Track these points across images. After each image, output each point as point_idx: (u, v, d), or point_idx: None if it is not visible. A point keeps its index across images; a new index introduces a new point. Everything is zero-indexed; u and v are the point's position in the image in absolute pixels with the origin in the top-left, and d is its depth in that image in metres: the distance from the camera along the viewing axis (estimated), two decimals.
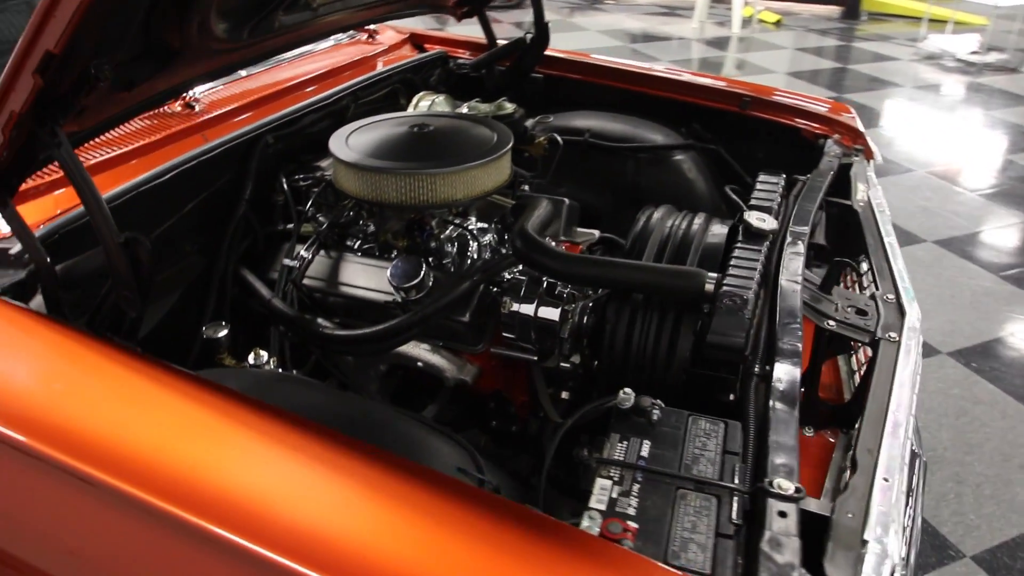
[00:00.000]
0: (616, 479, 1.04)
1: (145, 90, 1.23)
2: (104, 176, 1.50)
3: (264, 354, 1.43)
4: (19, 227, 1.13)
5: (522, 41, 2.43)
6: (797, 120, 2.26)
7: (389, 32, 2.65)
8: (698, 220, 1.66)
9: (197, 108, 1.77)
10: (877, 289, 1.56)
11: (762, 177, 1.76)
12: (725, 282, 1.35)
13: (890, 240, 1.76)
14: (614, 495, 1.02)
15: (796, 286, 1.37)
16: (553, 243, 1.73)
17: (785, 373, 1.19)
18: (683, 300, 1.39)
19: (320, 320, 1.61)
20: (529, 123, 2.20)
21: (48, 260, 1.15)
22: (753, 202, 1.65)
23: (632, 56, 7.59)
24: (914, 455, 1.53)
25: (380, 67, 2.33)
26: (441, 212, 1.71)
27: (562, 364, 1.56)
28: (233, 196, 1.70)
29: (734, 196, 1.72)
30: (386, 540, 0.82)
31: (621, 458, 1.08)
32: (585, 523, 0.94)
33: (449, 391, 1.67)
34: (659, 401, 1.17)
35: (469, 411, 1.75)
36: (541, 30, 2.40)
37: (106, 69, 1.03)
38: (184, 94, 1.75)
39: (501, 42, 2.49)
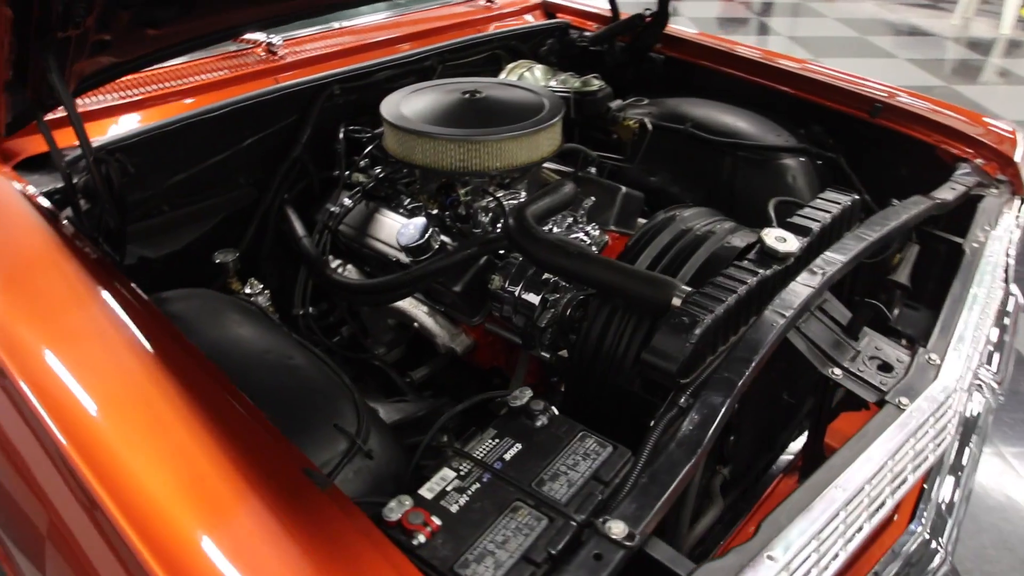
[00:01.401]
0: (462, 473, 1.00)
1: (174, 33, 1.35)
2: (171, 105, 1.68)
3: (259, 285, 1.54)
4: (48, 140, 1.30)
5: (640, 18, 2.30)
6: (936, 136, 1.91)
7: None
8: (723, 227, 1.48)
9: (279, 53, 1.90)
10: (925, 346, 1.31)
11: (827, 194, 1.52)
12: (694, 299, 1.20)
13: (977, 291, 1.45)
14: (448, 488, 0.97)
15: (779, 319, 1.19)
16: (566, 229, 1.65)
17: (706, 409, 1.05)
18: (649, 310, 1.27)
19: (333, 266, 1.68)
20: (616, 104, 2.08)
21: (69, 172, 1.32)
22: (794, 219, 1.43)
23: (863, 52, 6.81)
24: None
25: (491, 30, 2.33)
26: (478, 180, 1.70)
27: (543, 354, 1.50)
28: (292, 138, 1.81)
29: (772, 214, 1.51)
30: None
31: (480, 455, 1.02)
32: (390, 505, 0.91)
33: (444, 358, 1.67)
34: (554, 408, 1.09)
35: (475, 385, 1.75)
36: (662, 7, 2.25)
37: None
38: (262, 40, 1.90)
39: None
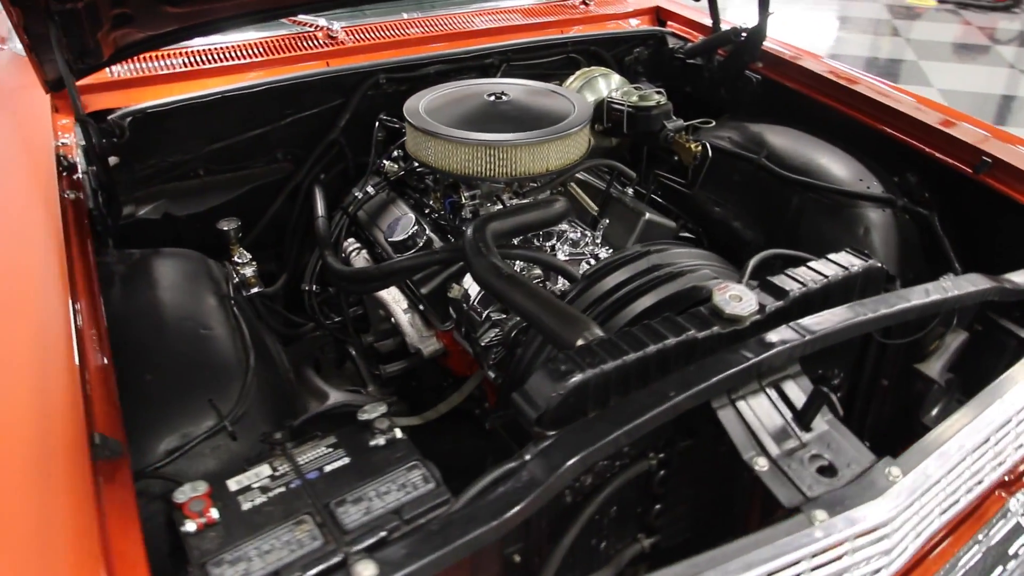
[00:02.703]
0: (276, 474, 0.98)
1: (197, 12, 1.44)
2: (221, 79, 1.80)
3: (247, 255, 1.61)
4: (74, 102, 1.45)
5: (735, 32, 2.09)
6: None
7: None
8: (700, 273, 1.31)
9: (338, 38, 1.97)
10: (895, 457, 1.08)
11: (837, 255, 1.29)
12: (597, 346, 1.08)
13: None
14: (254, 485, 0.96)
15: (684, 387, 1.03)
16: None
17: (538, 469, 0.94)
18: (558, 345, 1.16)
19: (349, 250, 1.72)
20: (672, 125, 1.90)
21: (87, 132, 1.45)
22: (777, 278, 1.23)
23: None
24: None
25: (573, 32, 2.24)
26: (487, 186, 1.65)
27: (489, 372, 1.43)
28: (332, 121, 1.88)
29: (750, 266, 1.29)
30: None
31: (304, 460, 1.00)
32: (184, 488, 0.92)
33: (417, 358, 1.66)
34: (398, 431, 1.03)
35: (451, 390, 1.72)
36: (760, 21, 2.03)
37: None
38: (323, 25, 1.97)
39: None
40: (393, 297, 1.66)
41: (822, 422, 1.14)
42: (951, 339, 1.35)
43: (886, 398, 1.47)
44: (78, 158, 1.50)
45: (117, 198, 1.49)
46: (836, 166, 1.85)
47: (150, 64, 1.81)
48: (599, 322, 1.27)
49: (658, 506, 1.24)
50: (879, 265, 1.28)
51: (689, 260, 1.38)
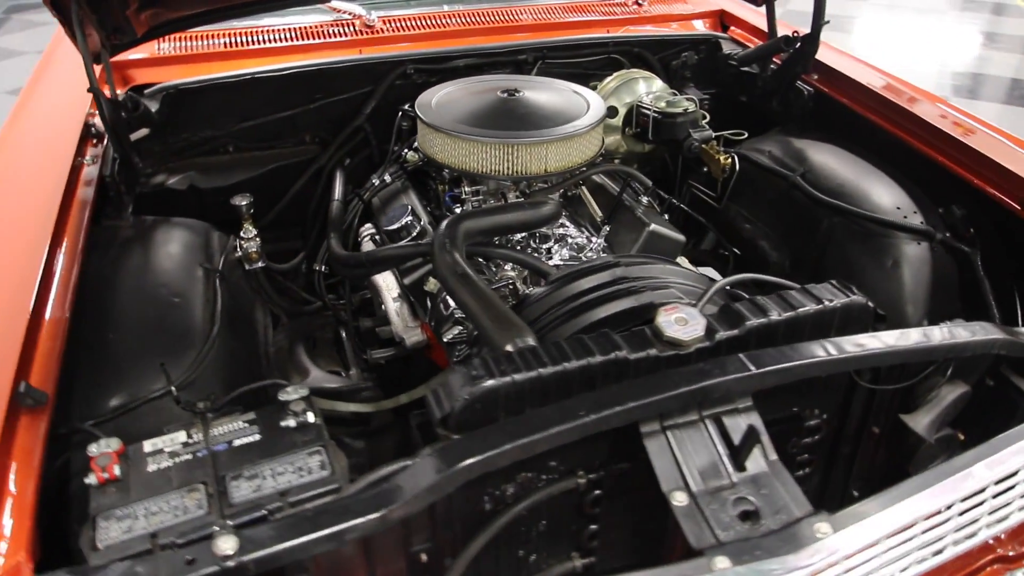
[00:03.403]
0: (190, 441, 1.02)
1: None
2: (258, 60, 1.87)
3: (252, 231, 1.67)
4: (108, 78, 1.55)
5: (787, 41, 1.96)
6: None
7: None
8: (663, 292, 1.24)
9: (374, 26, 1.99)
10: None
11: (815, 287, 1.18)
12: (521, 354, 1.04)
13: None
14: (167, 449, 1.00)
15: (597, 409, 0.99)
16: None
17: (419, 473, 0.93)
18: (491, 348, 1.14)
19: (365, 234, 1.76)
20: (699, 135, 1.81)
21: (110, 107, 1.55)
22: (737, 305, 1.15)
23: None
24: None
25: (619, 32, 2.17)
26: (492, 183, 1.64)
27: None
28: (359, 108, 1.92)
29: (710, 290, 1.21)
30: None
31: (218, 432, 1.03)
32: (99, 442, 0.97)
33: (403, 347, 1.67)
34: (311, 415, 1.05)
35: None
36: (813, 32, 1.90)
37: None
38: (360, 13, 2.00)
39: None
40: (387, 284, 1.68)
41: (762, 464, 1.06)
42: (947, 392, 1.22)
43: (878, 447, 1.35)
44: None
45: (134, 167, 1.58)
46: (875, 190, 1.71)
47: (196, 43, 1.91)
48: (551, 329, 1.24)
49: (593, 527, 1.20)
50: (863, 302, 1.17)
51: (664, 276, 1.31)
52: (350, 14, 2.02)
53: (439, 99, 1.66)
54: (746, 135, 1.89)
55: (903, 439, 1.31)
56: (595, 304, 1.22)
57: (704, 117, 1.90)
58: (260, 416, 1.06)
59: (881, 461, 1.37)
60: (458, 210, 1.62)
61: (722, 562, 0.91)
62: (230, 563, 0.82)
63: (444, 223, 1.36)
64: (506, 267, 1.52)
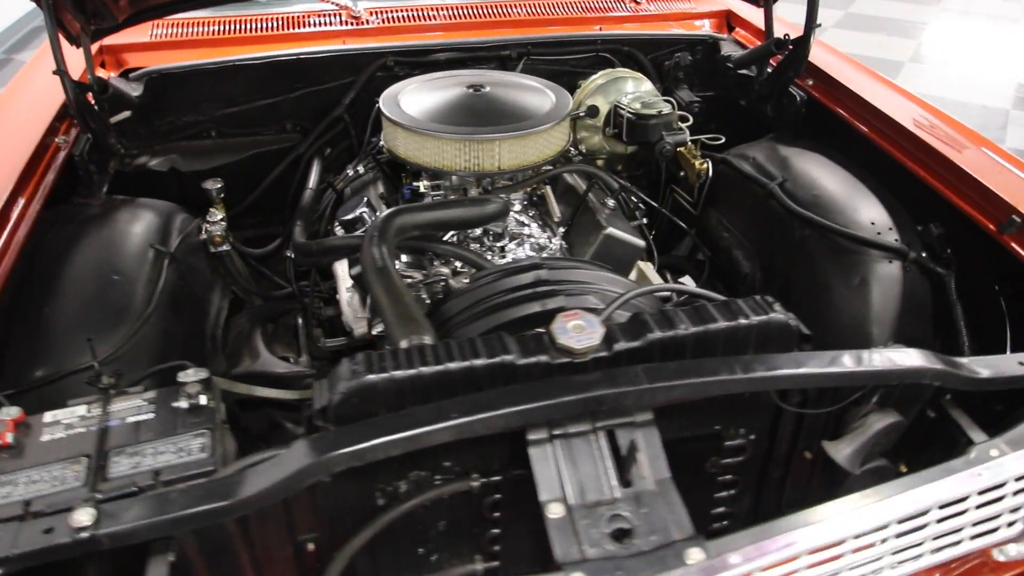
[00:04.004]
0: (88, 415, 1.04)
1: None
2: (245, 47, 1.91)
3: (218, 215, 1.70)
4: (88, 61, 1.60)
5: (780, 44, 1.88)
6: None
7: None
8: (582, 299, 1.21)
9: (361, 17, 2.00)
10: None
11: (737, 302, 1.13)
12: (412, 351, 1.04)
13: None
14: (64, 420, 1.03)
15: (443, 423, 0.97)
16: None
17: (274, 467, 0.94)
18: (391, 343, 1.14)
19: (306, 219, 1.78)
20: (673, 138, 1.75)
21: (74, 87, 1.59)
22: (645, 315, 1.10)
23: None
24: None
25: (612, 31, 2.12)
26: (456, 178, 1.63)
27: None
28: (340, 98, 1.93)
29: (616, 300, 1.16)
30: None
31: (116, 408, 1.05)
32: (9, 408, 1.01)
33: (352, 336, 1.68)
34: (204, 398, 1.06)
35: None
36: (804, 35, 1.82)
37: None
38: (348, 5, 2.01)
39: None
40: (343, 275, 1.69)
41: (651, 482, 1.02)
42: (875, 421, 1.15)
43: (812, 472, 1.29)
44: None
45: (109, 148, 1.63)
46: (852, 204, 1.63)
47: (190, 30, 1.96)
48: (461, 327, 1.23)
49: (495, 531, 1.18)
50: (783, 320, 1.11)
51: (592, 283, 1.28)
52: (337, 5, 2.03)
53: (405, 93, 1.66)
54: (723, 139, 1.82)
55: (832, 467, 1.25)
56: (507, 305, 1.20)
57: (687, 120, 1.84)
58: (159, 396, 1.08)
59: (816, 489, 1.31)
60: None
61: None
62: (83, 535, 0.84)
63: (379, 216, 1.36)
64: (454, 264, 1.51)
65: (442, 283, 1.44)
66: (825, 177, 1.71)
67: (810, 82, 1.92)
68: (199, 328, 1.50)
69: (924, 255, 1.52)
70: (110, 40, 1.89)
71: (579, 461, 1.02)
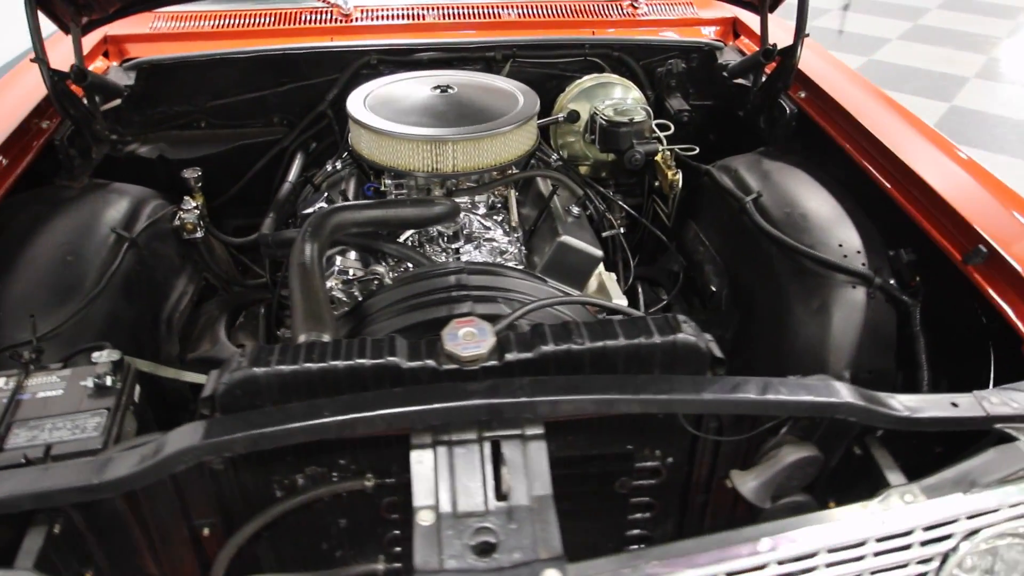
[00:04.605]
0: (2, 388, 1.09)
1: None
2: (238, 41, 1.95)
3: (192, 203, 1.74)
4: (77, 52, 1.67)
5: (767, 54, 1.81)
6: None
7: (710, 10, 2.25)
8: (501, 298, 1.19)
9: (351, 16, 2.02)
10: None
11: (650, 320, 1.09)
12: (308, 348, 1.04)
13: None
14: None
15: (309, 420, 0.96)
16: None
17: (149, 454, 0.96)
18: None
19: (280, 211, 1.81)
20: (644, 148, 1.70)
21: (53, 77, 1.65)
22: (546, 328, 1.08)
23: None
24: None
25: (605, 35, 2.08)
26: (421, 179, 1.64)
27: None
28: (324, 94, 1.96)
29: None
30: None
31: (34, 383, 1.08)
32: None
33: None
34: (110, 380, 1.09)
35: None
36: (793, 43, 1.74)
37: None
38: (338, 3, 2.03)
39: None
40: None
41: (527, 497, 1.00)
42: (788, 453, 1.09)
43: (736, 501, 1.24)
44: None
45: (94, 133, 1.70)
46: (823, 224, 1.56)
47: (189, 23, 2.03)
48: (372, 325, 1.23)
49: (395, 532, 1.18)
50: (691, 342, 1.07)
51: (514, 290, 1.26)
52: (326, 2, 2.06)
53: (374, 93, 1.67)
54: (697, 150, 1.77)
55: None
56: (418, 308, 1.19)
57: (668, 129, 1.80)
58: (73, 374, 1.12)
59: (740, 518, 1.25)
60: None
61: None
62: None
63: (318, 213, 1.38)
64: (406, 264, 1.51)
65: (376, 281, 1.44)
66: (803, 195, 1.64)
67: (803, 94, 1.85)
68: (153, 312, 1.54)
69: (892, 282, 1.44)
70: (114, 31, 1.98)
71: (459, 470, 1.00)
